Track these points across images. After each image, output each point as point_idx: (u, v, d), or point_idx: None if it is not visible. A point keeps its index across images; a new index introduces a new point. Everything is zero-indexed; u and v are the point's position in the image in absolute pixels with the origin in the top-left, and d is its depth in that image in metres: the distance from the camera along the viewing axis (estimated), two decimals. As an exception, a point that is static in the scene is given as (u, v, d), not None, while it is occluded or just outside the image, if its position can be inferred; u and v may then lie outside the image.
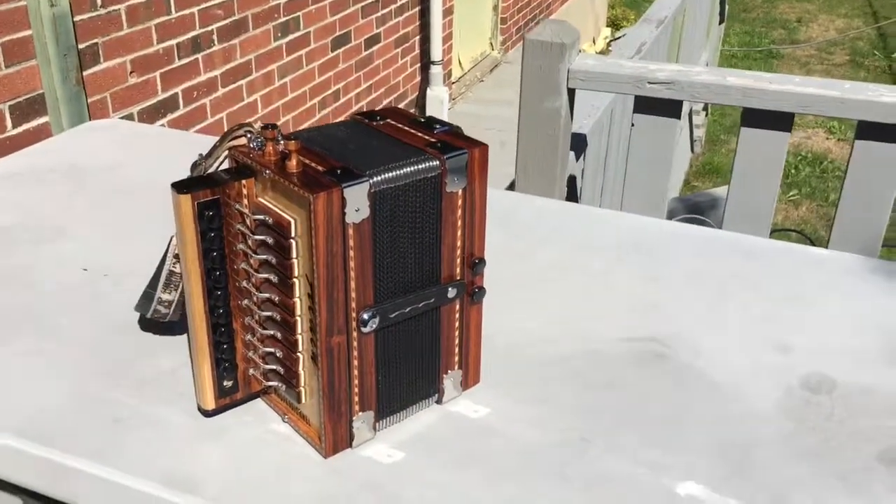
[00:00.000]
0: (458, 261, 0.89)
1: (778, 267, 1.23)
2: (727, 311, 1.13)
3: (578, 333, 1.08)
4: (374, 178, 0.80)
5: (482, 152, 0.87)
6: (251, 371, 0.92)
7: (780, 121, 1.85)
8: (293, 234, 0.81)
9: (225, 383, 0.90)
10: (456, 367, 0.95)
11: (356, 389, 0.86)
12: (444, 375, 0.94)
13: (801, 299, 1.16)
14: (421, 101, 4.69)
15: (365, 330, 0.84)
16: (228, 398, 0.92)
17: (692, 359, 1.04)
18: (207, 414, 0.92)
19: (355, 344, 0.84)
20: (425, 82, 4.63)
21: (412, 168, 0.82)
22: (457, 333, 0.93)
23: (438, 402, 0.95)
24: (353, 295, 0.82)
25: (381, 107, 4.27)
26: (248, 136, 0.84)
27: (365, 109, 4.09)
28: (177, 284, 0.92)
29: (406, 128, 0.91)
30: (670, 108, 1.91)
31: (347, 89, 3.88)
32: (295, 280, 0.82)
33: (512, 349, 1.03)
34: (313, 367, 0.85)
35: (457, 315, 0.92)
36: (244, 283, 0.88)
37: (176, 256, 0.90)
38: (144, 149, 1.58)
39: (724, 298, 1.16)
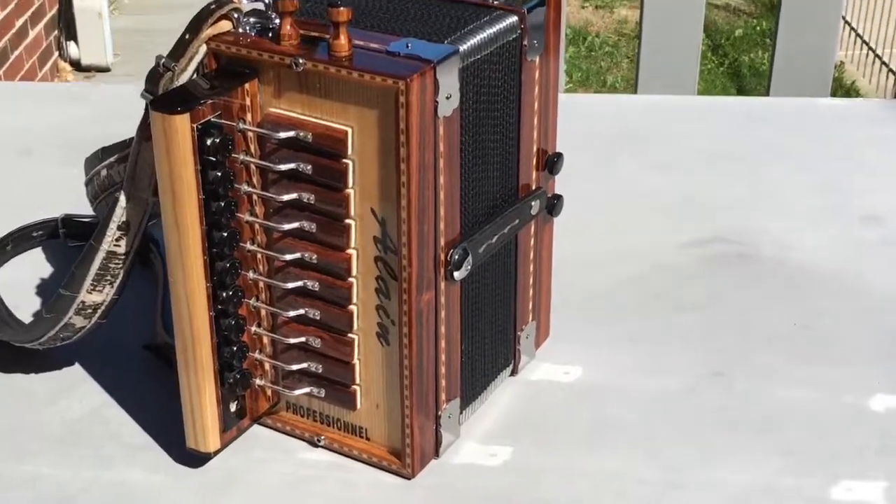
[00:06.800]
0: (534, 161, 0.88)
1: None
2: (776, 187, 1.23)
3: (629, 248, 1.12)
4: (462, 47, 0.76)
5: (558, 2, 0.85)
6: (258, 382, 0.84)
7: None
8: (349, 152, 0.75)
9: (232, 407, 0.82)
10: (530, 318, 0.93)
11: (443, 370, 0.82)
12: (520, 333, 0.92)
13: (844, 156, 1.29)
14: (67, 15, 4.40)
15: (456, 276, 0.80)
16: (235, 429, 0.84)
17: (782, 252, 1.11)
18: (201, 461, 0.83)
19: (443, 300, 0.80)
20: (68, -12, 4.33)
21: (493, 30, 0.79)
22: (531, 269, 0.92)
23: (513, 372, 0.94)
24: (442, 227, 0.78)
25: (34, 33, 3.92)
26: (235, 17, 0.75)
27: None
28: (115, 275, 0.82)
29: (428, -19, 0.87)
30: None
31: (-34, 9, 3.56)
32: (350, 222, 0.77)
33: (563, 284, 1.03)
34: (378, 349, 0.80)
35: (531, 241, 0.91)
36: (248, 245, 0.80)
37: (121, 227, 0.79)
38: None
39: (760, 173, 1.26)
